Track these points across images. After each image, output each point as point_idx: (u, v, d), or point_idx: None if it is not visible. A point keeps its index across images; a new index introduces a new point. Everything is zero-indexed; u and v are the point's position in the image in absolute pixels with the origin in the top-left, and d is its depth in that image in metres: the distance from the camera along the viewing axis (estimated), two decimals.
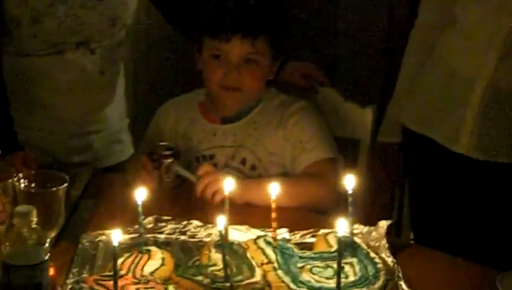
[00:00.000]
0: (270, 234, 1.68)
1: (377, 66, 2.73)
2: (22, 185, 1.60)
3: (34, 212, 1.40)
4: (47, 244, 1.42)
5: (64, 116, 2.26)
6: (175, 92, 2.26)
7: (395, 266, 1.59)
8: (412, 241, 2.17)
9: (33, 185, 1.62)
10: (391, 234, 1.73)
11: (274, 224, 1.68)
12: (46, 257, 1.40)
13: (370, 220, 1.77)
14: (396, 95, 2.20)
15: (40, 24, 2.14)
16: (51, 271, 1.45)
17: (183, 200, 1.94)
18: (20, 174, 1.62)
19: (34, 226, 1.39)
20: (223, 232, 1.54)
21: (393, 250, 1.66)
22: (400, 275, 1.56)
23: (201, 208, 1.88)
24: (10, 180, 1.59)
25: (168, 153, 1.96)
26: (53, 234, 1.59)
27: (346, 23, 3.08)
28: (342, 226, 1.45)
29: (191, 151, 2.12)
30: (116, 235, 1.44)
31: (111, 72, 2.29)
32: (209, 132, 2.12)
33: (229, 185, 1.68)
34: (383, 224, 1.73)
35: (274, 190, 1.69)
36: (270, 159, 2.06)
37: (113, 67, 2.29)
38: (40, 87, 2.22)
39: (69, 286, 1.48)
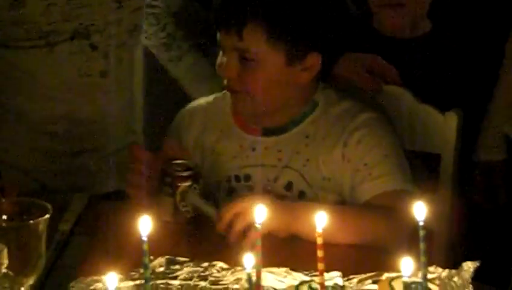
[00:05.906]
0: (316, 278, 1.56)
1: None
2: None
3: (5, 252, 1.35)
4: None
5: (51, 128, 2.14)
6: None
7: None
8: None
9: (5, 217, 1.52)
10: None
11: (321, 265, 1.52)
12: None
13: (453, 261, 1.63)
14: (498, 98, 2.14)
15: (23, 7, 2.01)
16: None
17: (205, 235, 1.82)
18: None
19: (4, 271, 1.35)
20: (254, 276, 1.40)
21: None
22: None
23: (228, 245, 1.76)
24: None
25: (185, 174, 1.83)
26: (31, 281, 1.48)
27: None
28: (408, 267, 1.30)
29: (221, 169, 1.99)
30: (113, 282, 1.35)
31: (116, 74, 2.16)
32: (246, 145, 1.98)
33: (261, 211, 1.49)
34: (469, 266, 1.57)
35: (321, 220, 1.52)
36: (323, 184, 1.92)
37: (120, 68, 2.17)
38: (21, 89, 2.11)
39: None
